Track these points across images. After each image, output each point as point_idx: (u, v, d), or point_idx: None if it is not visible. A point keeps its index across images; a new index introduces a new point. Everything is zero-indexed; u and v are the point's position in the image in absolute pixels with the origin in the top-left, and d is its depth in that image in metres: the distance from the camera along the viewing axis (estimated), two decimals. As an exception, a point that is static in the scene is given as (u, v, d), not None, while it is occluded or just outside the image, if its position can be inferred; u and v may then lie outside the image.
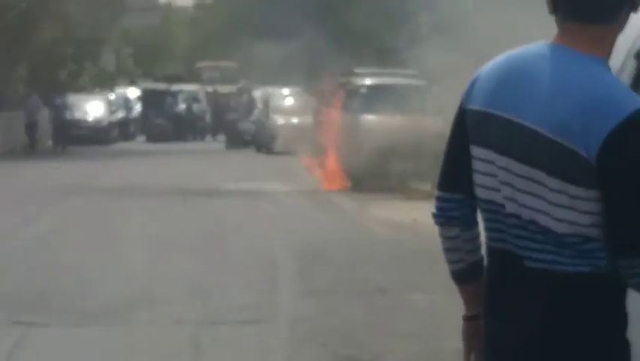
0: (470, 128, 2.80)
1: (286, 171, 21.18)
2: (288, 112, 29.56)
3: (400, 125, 19.90)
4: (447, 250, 2.93)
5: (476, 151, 2.78)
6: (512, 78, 2.68)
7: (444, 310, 8.82)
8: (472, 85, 2.80)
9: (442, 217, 2.90)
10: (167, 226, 14.54)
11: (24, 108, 31.74)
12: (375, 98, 20.59)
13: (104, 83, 47.14)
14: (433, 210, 2.92)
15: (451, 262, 2.93)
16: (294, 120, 27.39)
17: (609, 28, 2.66)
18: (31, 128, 31.81)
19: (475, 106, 2.77)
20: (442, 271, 10.74)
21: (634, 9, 2.68)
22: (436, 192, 2.91)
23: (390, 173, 19.57)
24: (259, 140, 32.21)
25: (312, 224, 14.83)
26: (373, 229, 14.38)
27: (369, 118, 20.06)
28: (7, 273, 10.70)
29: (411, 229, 14.25)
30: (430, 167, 20.13)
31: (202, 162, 27.70)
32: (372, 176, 19.74)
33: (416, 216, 15.27)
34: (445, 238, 2.93)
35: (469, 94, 2.80)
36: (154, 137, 39.98)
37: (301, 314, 8.74)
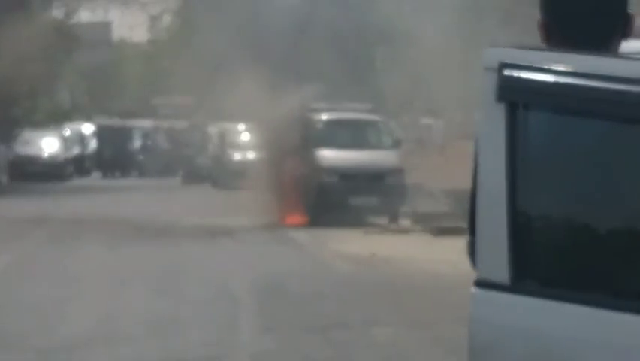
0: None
1: (244, 207, 21.23)
2: (244, 147, 29.65)
3: (357, 159, 20.07)
4: None
5: None
6: None
7: (404, 343, 8.92)
8: None
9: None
10: (125, 263, 14.52)
11: None
12: (332, 132, 20.76)
13: (59, 119, 46.97)
14: (469, 257, 2.97)
15: None
16: (251, 155, 27.51)
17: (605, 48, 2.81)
18: None
19: None
20: (401, 305, 10.83)
21: (625, 36, 2.81)
22: (468, 237, 2.97)
23: (348, 207, 19.71)
24: (215, 175, 32.24)
25: (271, 259, 14.89)
26: (332, 263, 14.46)
27: (326, 153, 20.20)
28: (-35, 312, 10.66)
29: (369, 263, 14.36)
30: (387, 201, 20.44)
31: (159, 198, 27.65)
32: (330, 211, 19.85)
33: (374, 250, 15.40)
34: None
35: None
36: (110, 173, 39.87)
37: (261, 350, 8.79)
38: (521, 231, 2.78)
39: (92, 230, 19.05)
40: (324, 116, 21.10)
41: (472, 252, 2.96)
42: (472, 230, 2.98)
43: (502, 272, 2.78)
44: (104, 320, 10.18)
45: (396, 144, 21.17)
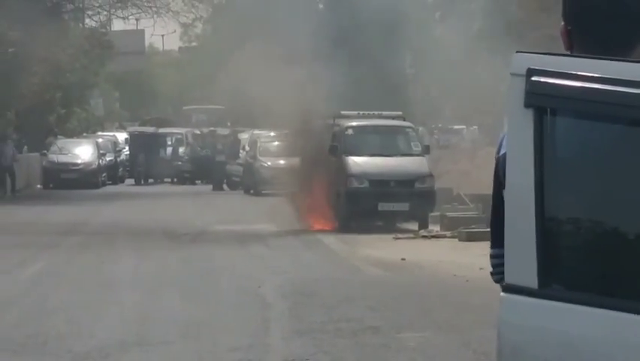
0: (502, 173, 2.90)
1: (275, 212, 21.30)
2: (275, 154, 29.75)
3: (386, 165, 20.11)
4: None
5: None
6: None
7: (434, 348, 8.95)
8: (504, 136, 2.95)
9: (500, 274, 2.92)
10: (158, 268, 14.63)
11: None
12: (362, 139, 20.80)
13: (92, 127, 47.32)
14: (490, 268, 2.99)
15: None
16: (282, 162, 27.62)
17: (628, 56, 2.82)
18: (3, 173, 31.36)
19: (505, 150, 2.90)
20: (431, 310, 10.85)
21: None
22: (490, 251, 2.98)
23: (378, 213, 19.74)
24: (247, 181, 32.36)
25: (302, 264, 14.95)
26: (363, 268, 14.50)
27: (356, 159, 20.25)
28: (2, 316, 10.78)
29: (400, 268, 14.38)
30: (417, 206, 20.46)
31: (191, 204, 27.79)
32: (359, 216, 19.90)
33: (405, 255, 15.42)
34: None
35: (501, 143, 2.96)
36: (142, 180, 40.04)
37: (293, 354, 8.84)
38: (549, 235, 2.80)
39: (125, 236, 19.19)
40: (354, 123, 21.14)
41: (496, 264, 2.98)
42: (494, 242, 2.99)
43: (530, 277, 2.80)
44: (138, 324, 10.28)
45: (425, 150, 21.19)
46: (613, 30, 2.87)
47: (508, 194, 2.82)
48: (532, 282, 2.78)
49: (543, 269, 2.78)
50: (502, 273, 2.94)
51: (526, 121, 2.82)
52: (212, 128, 38.95)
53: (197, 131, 40.73)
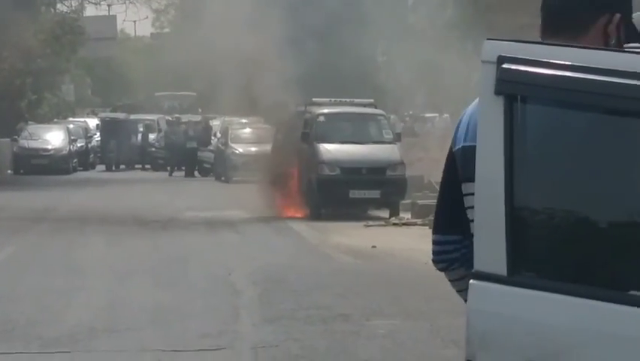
0: (460, 166, 2.92)
1: (246, 199, 21.28)
2: (246, 141, 29.69)
3: (358, 152, 20.12)
4: (460, 292, 3.01)
5: (467, 187, 2.89)
6: None
7: (403, 336, 8.98)
8: (459, 126, 2.95)
9: (443, 262, 2.98)
10: (128, 255, 14.59)
11: None
12: (334, 126, 20.80)
13: (63, 112, 47.02)
14: (432, 256, 3.00)
15: None
16: (253, 149, 27.56)
17: (581, 39, 2.86)
18: None
19: (466, 143, 2.92)
20: (401, 297, 10.89)
21: (607, 34, 2.85)
22: (432, 237, 3.00)
23: (349, 201, 19.76)
24: (218, 168, 32.29)
25: (273, 251, 14.95)
26: (333, 256, 14.52)
27: (328, 146, 20.25)
28: (-31, 302, 10.71)
29: (370, 255, 14.41)
30: (388, 194, 20.49)
31: (162, 191, 27.70)
32: (331, 204, 19.92)
33: (375, 243, 15.45)
34: (452, 281, 3.01)
35: (456, 135, 2.95)
36: (113, 166, 39.85)
37: (262, 341, 8.85)
38: (519, 223, 2.80)
39: (95, 222, 19.11)
40: (326, 110, 21.13)
41: (438, 251, 2.97)
42: (437, 228, 2.97)
43: (499, 264, 2.80)
44: (107, 310, 10.24)
45: (396, 138, 21.23)
46: (562, 18, 2.90)
47: (478, 181, 2.82)
48: (502, 269, 2.79)
49: (513, 257, 2.79)
50: (444, 261, 2.94)
51: (496, 108, 2.82)
52: (177, 115, 38.81)
53: (169, 118, 40.59)
